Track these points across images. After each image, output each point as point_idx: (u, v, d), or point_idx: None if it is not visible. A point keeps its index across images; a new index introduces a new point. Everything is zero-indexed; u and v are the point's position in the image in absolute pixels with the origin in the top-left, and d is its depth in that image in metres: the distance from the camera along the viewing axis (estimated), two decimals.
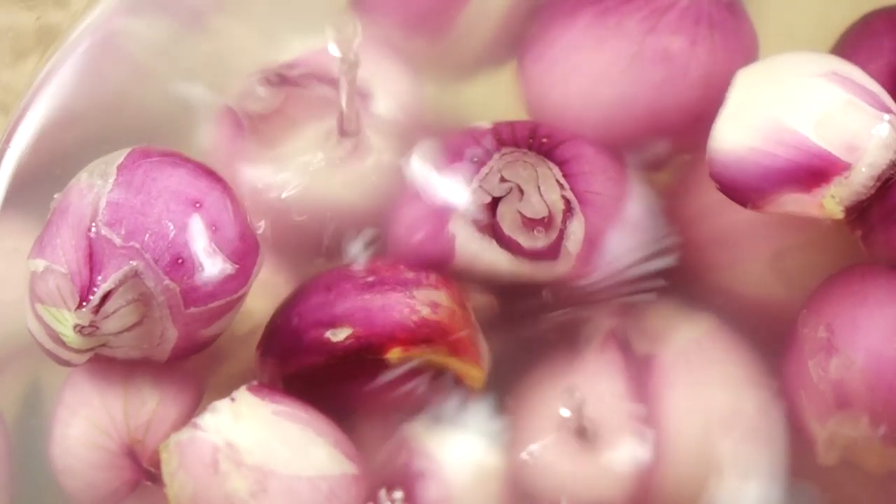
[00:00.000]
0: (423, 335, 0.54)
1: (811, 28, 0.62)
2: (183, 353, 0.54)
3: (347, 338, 0.53)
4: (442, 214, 0.56)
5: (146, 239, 0.52)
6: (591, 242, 0.55)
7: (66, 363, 0.54)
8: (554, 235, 0.55)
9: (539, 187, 0.55)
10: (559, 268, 0.55)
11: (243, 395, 0.52)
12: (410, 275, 0.55)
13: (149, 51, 0.64)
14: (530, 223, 0.55)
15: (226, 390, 0.54)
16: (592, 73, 0.58)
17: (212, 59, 0.63)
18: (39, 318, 0.53)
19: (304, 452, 0.52)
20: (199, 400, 0.56)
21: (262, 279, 0.55)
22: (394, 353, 0.54)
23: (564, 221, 0.55)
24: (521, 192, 0.55)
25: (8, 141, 0.62)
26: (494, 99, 0.62)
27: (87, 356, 0.53)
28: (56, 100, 0.63)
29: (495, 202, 0.55)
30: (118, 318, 0.52)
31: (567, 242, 0.55)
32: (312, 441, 0.52)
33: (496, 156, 0.56)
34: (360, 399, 0.55)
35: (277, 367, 0.55)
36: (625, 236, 0.56)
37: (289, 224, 0.58)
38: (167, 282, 0.52)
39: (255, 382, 0.53)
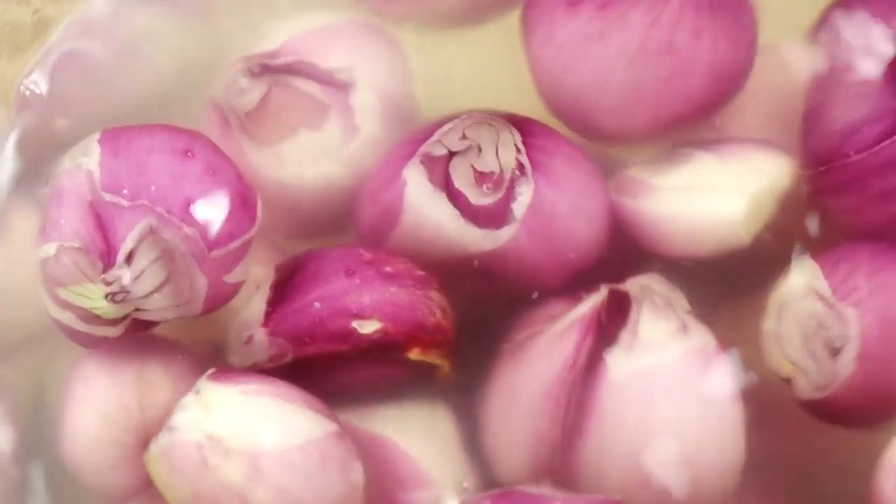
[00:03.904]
0: (439, 340, 0.55)
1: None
2: (213, 303, 0.54)
3: (376, 332, 0.53)
4: (399, 161, 0.56)
5: (152, 193, 0.52)
6: (538, 211, 0.55)
7: (101, 342, 0.54)
8: (501, 194, 0.55)
9: (497, 148, 0.55)
10: (502, 235, 0.55)
11: (206, 386, 0.52)
12: (421, 273, 0.55)
13: (145, 40, 0.63)
14: (480, 178, 0.55)
15: None
16: (601, 64, 0.57)
17: (207, 47, 0.63)
18: (64, 303, 0.53)
19: (284, 423, 0.51)
20: None
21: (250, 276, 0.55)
22: (414, 353, 0.54)
23: (513, 182, 0.55)
24: (479, 150, 0.55)
25: (9, 132, 0.62)
26: (490, 82, 0.62)
27: (123, 326, 0.53)
28: (53, 90, 0.63)
29: (452, 158, 0.55)
30: (147, 278, 0.52)
31: (514, 204, 0.55)
32: (288, 410, 0.52)
33: (462, 116, 0.56)
34: (343, 383, 0.55)
35: (290, 348, 0.54)
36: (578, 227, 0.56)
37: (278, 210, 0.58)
38: (186, 229, 0.52)
39: (213, 370, 0.53)
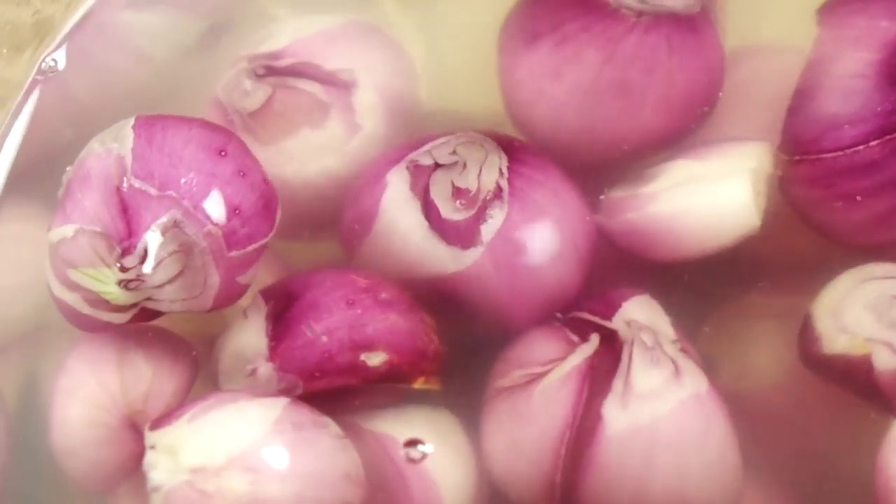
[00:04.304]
0: (438, 366, 0.55)
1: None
2: (223, 301, 0.54)
3: (383, 363, 0.54)
4: (386, 165, 0.56)
5: (182, 186, 0.52)
6: (505, 238, 0.54)
7: (104, 327, 0.54)
8: (472, 212, 0.54)
9: (481, 168, 0.55)
10: (467, 258, 0.54)
11: (157, 437, 0.52)
12: (409, 295, 0.55)
13: (147, 37, 0.64)
14: (456, 193, 0.55)
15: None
16: (554, 102, 0.57)
17: (210, 44, 0.63)
18: (73, 284, 0.52)
19: (244, 419, 0.52)
20: (196, 371, 0.56)
21: None
22: (418, 383, 0.55)
23: (487, 203, 0.54)
24: (464, 167, 0.55)
25: (8, 130, 0.62)
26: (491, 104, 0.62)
27: (130, 313, 0.53)
28: (55, 88, 0.63)
29: (436, 169, 0.56)
30: (162, 269, 0.52)
31: (483, 226, 0.54)
32: (238, 408, 0.52)
33: (458, 133, 0.56)
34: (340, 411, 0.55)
35: (299, 383, 0.54)
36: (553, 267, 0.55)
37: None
38: (209, 226, 0.52)
39: (149, 423, 0.53)
